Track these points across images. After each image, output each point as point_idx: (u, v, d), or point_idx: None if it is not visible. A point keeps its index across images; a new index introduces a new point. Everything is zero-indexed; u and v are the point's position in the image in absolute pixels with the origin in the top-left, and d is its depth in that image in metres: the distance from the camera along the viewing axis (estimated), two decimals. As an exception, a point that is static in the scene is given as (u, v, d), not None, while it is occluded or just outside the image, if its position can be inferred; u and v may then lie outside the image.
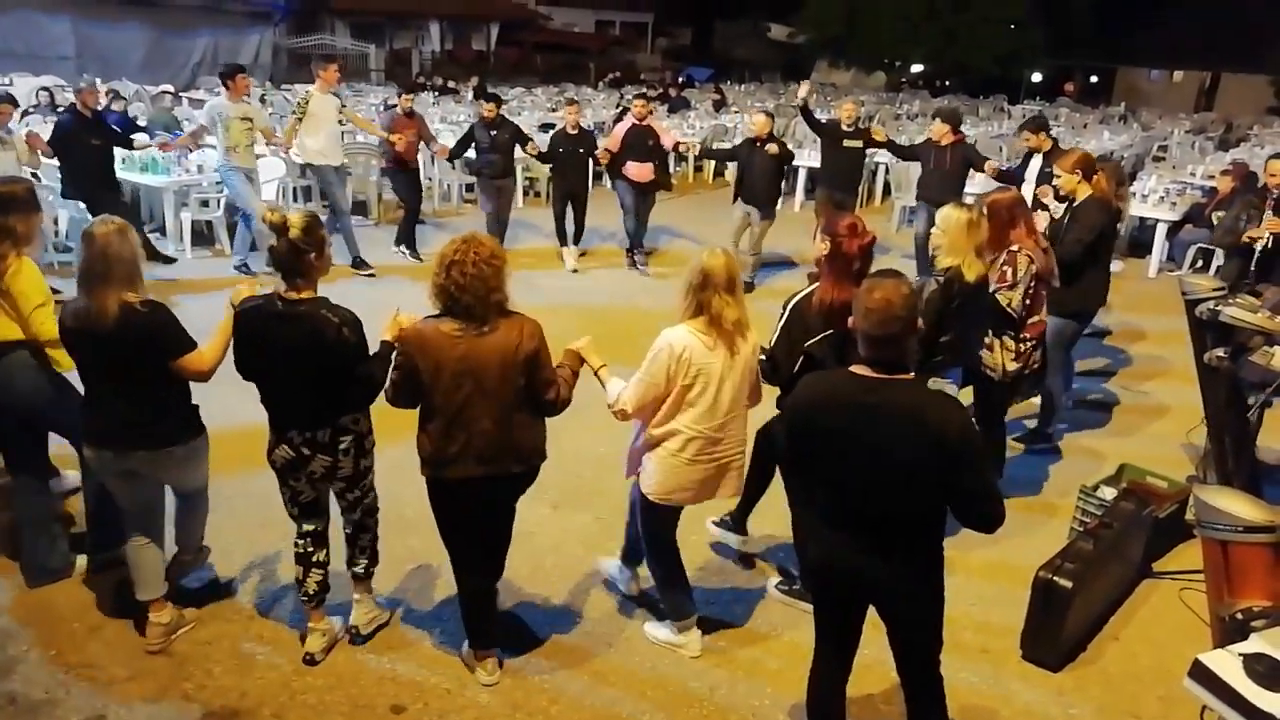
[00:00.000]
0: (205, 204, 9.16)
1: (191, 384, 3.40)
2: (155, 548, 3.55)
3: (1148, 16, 28.62)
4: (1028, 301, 4.45)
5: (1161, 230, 9.99)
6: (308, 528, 3.47)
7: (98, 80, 9.60)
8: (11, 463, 3.85)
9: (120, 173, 9.04)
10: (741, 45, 37.22)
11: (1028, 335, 4.52)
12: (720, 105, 19.21)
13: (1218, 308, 4.28)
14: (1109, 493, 4.54)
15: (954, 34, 28.22)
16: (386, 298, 4.08)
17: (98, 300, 3.16)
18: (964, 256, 4.11)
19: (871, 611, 2.82)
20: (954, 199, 8.16)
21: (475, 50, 32.08)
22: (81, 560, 3.93)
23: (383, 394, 3.22)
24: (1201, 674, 2.49)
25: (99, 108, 8.18)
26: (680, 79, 25.69)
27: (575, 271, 9.17)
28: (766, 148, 8.29)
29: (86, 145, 7.69)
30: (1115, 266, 9.64)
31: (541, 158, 9.42)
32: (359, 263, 8.56)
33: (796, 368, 3.53)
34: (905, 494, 2.56)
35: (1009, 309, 4.42)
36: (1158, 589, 4.29)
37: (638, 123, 8.90)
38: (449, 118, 14.54)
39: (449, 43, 31.58)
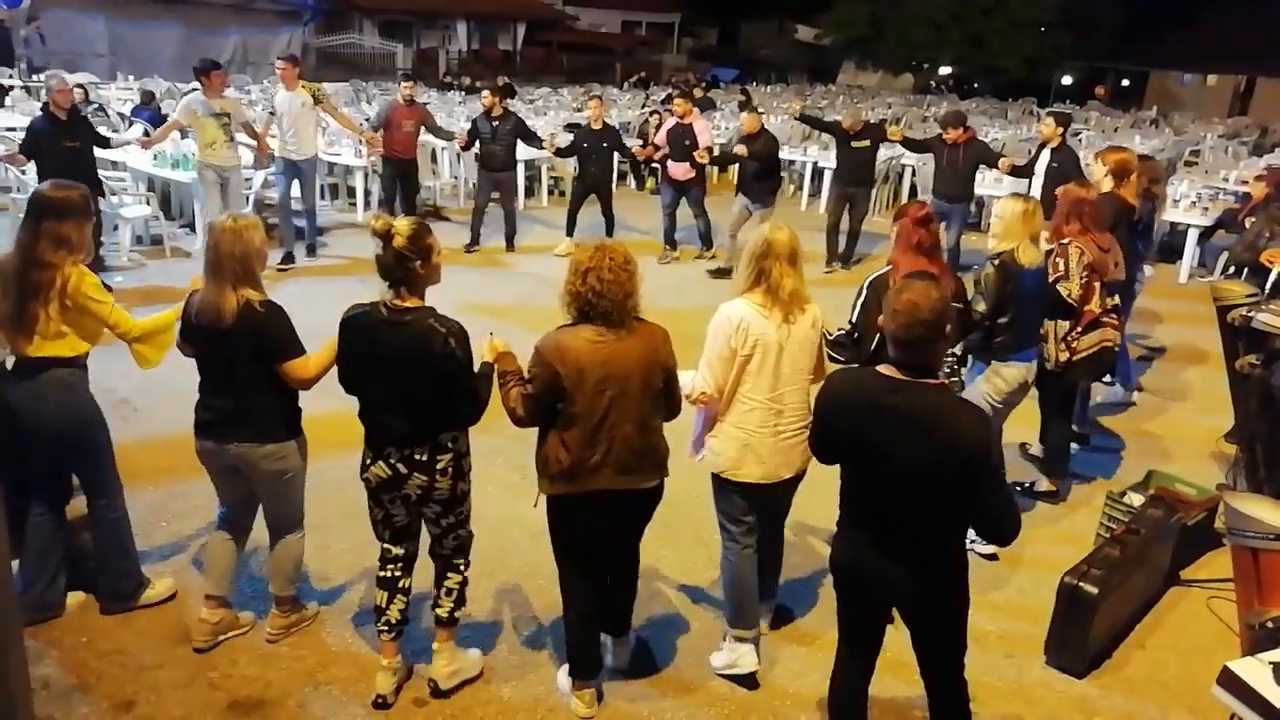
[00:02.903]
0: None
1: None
2: (233, 546, 3.56)
3: (1181, 19, 28.23)
4: (1082, 292, 4.58)
5: (1193, 236, 9.86)
6: (397, 552, 3.33)
7: (65, 75, 9.14)
8: (29, 489, 3.58)
9: (151, 169, 9.17)
10: (767, 46, 37.13)
11: (1079, 328, 4.65)
12: (745, 106, 19.15)
13: (1250, 314, 4.23)
14: (1136, 499, 4.49)
15: (982, 36, 27.98)
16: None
17: (214, 295, 3.17)
18: (1018, 242, 4.22)
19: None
20: (966, 195, 8.65)
21: (502, 50, 32.20)
22: (75, 598, 3.73)
23: (505, 414, 3.11)
24: (1230, 682, 2.46)
25: (71, 106, 7.50)
26: (706, 80, 25.64)
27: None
28: (736, 148, 8.67)
29: (60, 148, 7.15)
30: (1146, 271, 9.61)
31: (563, 152, 9.48)
32: (288, 258, 8.47)
33: (875, 344, 3.64)
34: (919, 498, 2.55)
35: (1069, 299, 4.54)
36: (1186, 597, 4.24)
37: (680, 120, 9.01)
38: (475, 116, 14.59)
39: (476, 42, 31.74)
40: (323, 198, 10.81)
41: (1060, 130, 7.82)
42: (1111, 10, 28.12)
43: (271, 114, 8.55)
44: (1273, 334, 4.17)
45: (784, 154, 12.80)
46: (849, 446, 2.70)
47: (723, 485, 3.43)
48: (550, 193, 12.45)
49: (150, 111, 11.35)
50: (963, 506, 2.56)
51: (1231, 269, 9.26)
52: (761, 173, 8.68)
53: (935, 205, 8.26)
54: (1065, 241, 4.60)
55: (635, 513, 3.27)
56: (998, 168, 8.31)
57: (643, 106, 16.60)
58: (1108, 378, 5.99)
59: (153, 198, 9.16)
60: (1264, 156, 14.55)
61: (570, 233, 9.40)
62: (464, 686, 3.41)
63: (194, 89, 13.66)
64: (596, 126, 9.26)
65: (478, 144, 9.28)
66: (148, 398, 5.19)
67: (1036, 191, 7.80)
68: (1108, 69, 31.17)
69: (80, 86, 12.72)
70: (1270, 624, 2.80)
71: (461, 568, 3.37)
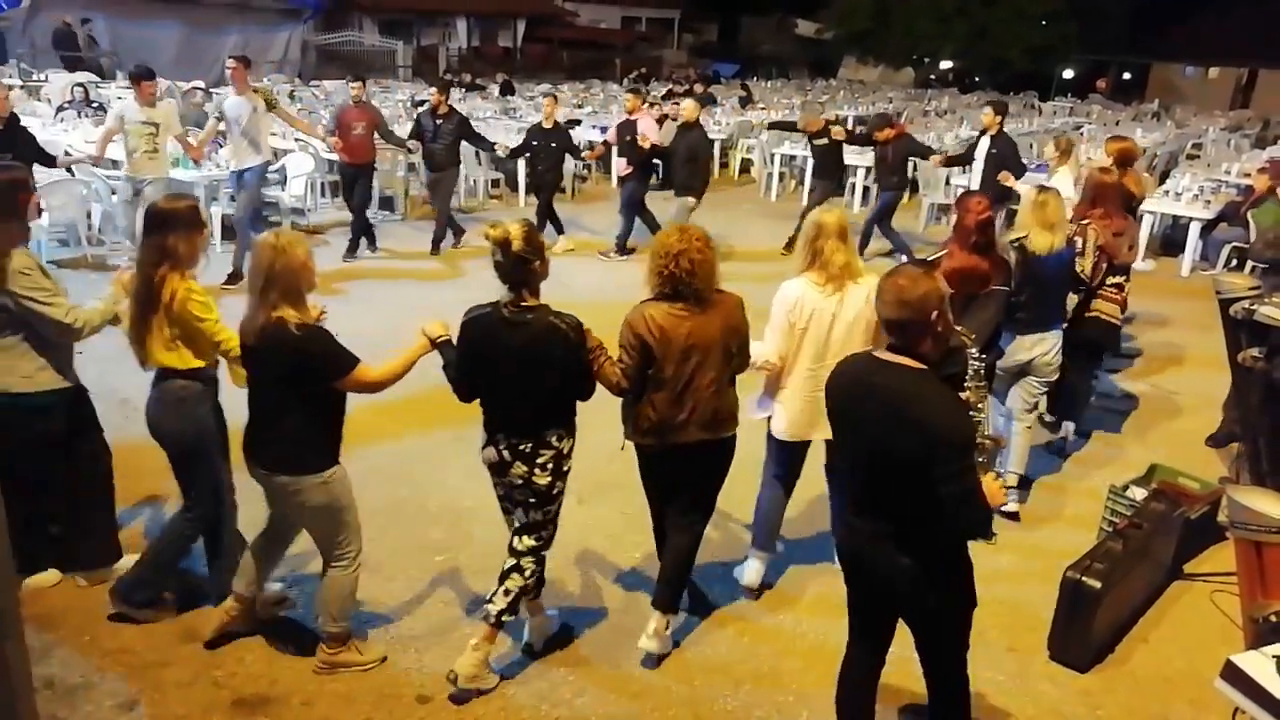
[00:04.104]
0: (235, 199, 9.26)
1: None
2: (264, 551, 3.52)
3: (1183, 12, 28.16)
4: (1092, 270, 5.05)
5: (1195, 229, 9.84)
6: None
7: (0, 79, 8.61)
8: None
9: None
10: (768, 41, 37.06)
11: (1081, 299, 5.13)
12: (746, 101, 19.15)
13: (1253, 307, 4.21)
14: (1139, 493, 4.49)
15: (985, 29, 27.93)
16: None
17: (251, 313, 3.11)
18: (1031, 229, 4.61)
19: None
20: (899, 185, 9.43)
21: (502, 47, 32.16)
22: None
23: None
24: (1234, 675, 2.46)
25: (10, 115, 7.09)
26: (706, 75, 25.60)
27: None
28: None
29: None
30: (1147, 265, 9.61)
31: (514, 152, 9.41)
32: (233, 277, 7.55)
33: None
34: (901, 482, 2.55)
35: (1082, 274, 5.02)
36: (1189, 591, 4.24)
37: (628, 117, 8.97)
38: (475, 114, 14.59)
39: (476, 39, 31.69)
40: (323, 195, 10.82)
41: (999, 118, 8.44)
42: (1115, 3, 28.08)
43: (218, 119, 8.03)
44: (1275, 327, 4.16)
45: (785, 149, 12.87)
46: (840, 425, 2.77)
47: (778, 444, 3.88)
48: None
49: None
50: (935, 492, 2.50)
51: (1234, 262, 9.29)
52: (688, 163, 8.60)
53: (883, 194, 9.47)
54: (1085, 222, 5.08)
55: (716, 460, 3.59)
56: (928, 160, 9.30)
57: (644, 102, 16.53)
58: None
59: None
60: (1266, 149, 14.54)
61: (560, 230, 9.38)
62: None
63: (195, 87, 13.77)
64: (548, 125, 9.11)
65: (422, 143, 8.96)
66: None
67: (977, 177, 8.51)
68: (1110, 61, 31.09)
69: (80, 85, 12.79)
70: (1274, 617, 2.81)
71: (526, 573, 3.38)
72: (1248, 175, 10.69)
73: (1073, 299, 5.04)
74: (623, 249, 9.33)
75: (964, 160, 8.88)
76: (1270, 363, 4.21)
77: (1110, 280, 5.19)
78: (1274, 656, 2.46)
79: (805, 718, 3.37)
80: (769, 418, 3.89)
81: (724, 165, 15.10)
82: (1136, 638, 3.91)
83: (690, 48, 38.69)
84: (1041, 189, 4.85)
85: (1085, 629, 3.63)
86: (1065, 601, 3.65)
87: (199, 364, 3.44)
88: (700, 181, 8.74)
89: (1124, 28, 28.93)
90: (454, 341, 3.29)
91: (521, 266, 3.12)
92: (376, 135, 8.68)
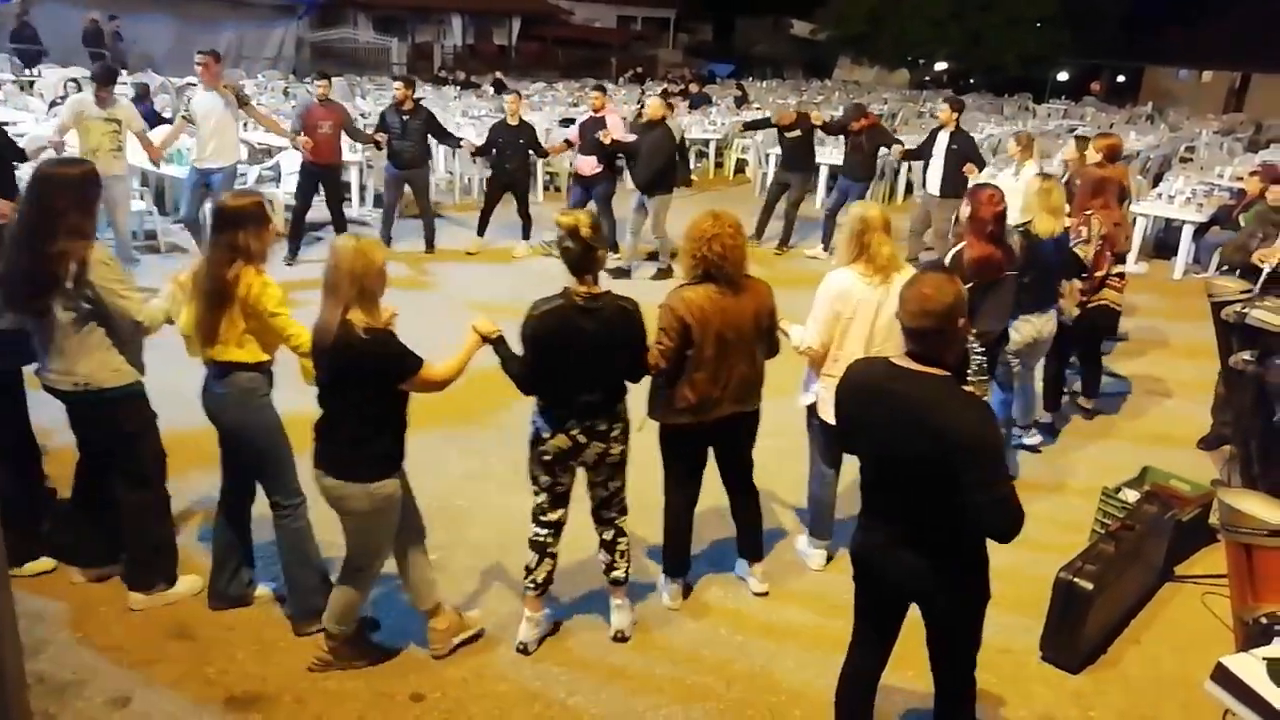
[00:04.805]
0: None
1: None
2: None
3: (1176, 15, 28.24)
4: (1095, 257, 5.41)
5: (1188, 232, 9.88)
6: (553, 517, 3.56)
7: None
8: (224, 484, 3.72)
9: (151, 164, 9.08)
10: (763, 41, 37.07)
11: (1087, 288, 5.48)
12: (742, 101, 19.16)
13: (1245, 310, 4.24)
14: (1131, 495, 4.51)
15: (979, 33, 27.97)
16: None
17: (324, 315, 3.09)
18: (1036, 215, 4.96)
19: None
20: (868, 175, 9.72)
21: (497, 45, 32.11)
22: (265, 590, 3.82)
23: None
24: (1224, 677, 2.48)
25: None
26: (701, 75, 25.60)
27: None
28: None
29: None
30: (1140, 268, 9.65)
31: (480, 150, 9.27)
32: None
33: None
34: (920, 488, 2.55)
35: (1084, 260, 5.39)
36: (1180, 593, 4.26)
37: (593, 114, 8.81)
38: (470, 112, 14.58)
39: (471, 37, 31.64)
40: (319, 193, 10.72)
41: (955, 114, 8.73)
42: (1108, 7, 28.15)
43: (185, 118, 7.78)
44: (1267, 330, 4.18)
45: (779, 150, 12.81)
46: (856, 432, 2.75)
47: (822, 427, 3.97)
48: (545, 189, 12.36)
49: (145, 106, 11.28)
50: (959, 499, 2.54)
51: (1226, 265, 9.34)
52: (653, 159, 8.46)
53: (841, 183, 9.69)
54: (1088, 213, 5.45)
55: (746, 430, 3.86)
56: (890, 150, 9.66)
57: (637, 102, 16.53)
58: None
59: (147, 193, 9.12)
60: (1259, 153, 14.59)
61: (481, 232, 9.20)
62: (473, 680, 3.43)
63: (190, 83, 13.72)
64: (513, 122, 8.95)
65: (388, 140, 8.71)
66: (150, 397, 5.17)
67: (937, 172, 8.72)
68: (1104, 65, 31.18)
69: (74, 80, 12.73)
70: (1264, 619, 2.82)
71: (624, 529, 3.66)
72: (1240, 179, 10.71)
73: (1076, 284, 5.39)
74: (614, 246, 9.20)
75: (921, 154, 9.06)
76: (1261, 366, 4.24)
77: (1114, 270, 5.60)
78: (1264, 659, 2.48)
79: (798, 717, 3.38)
80: (812, 404, 4.04)
81: (719, 165, 15.11)
82: (1128, 639, 3.93)
83: (686, 47, 38.67)
84: (1045, 176, 5.25)
85: (1077, 630, 3.64)
86: (1057, 603, 3.66)
87: (265, 358, 3.47)
88: (667, 179, 8.59)
89: (1118, 31, 29.01)
90: (505, 338, 3.37)
91: (590, 253, 3.27)
92: (344, 135, 8.47)
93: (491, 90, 18.51)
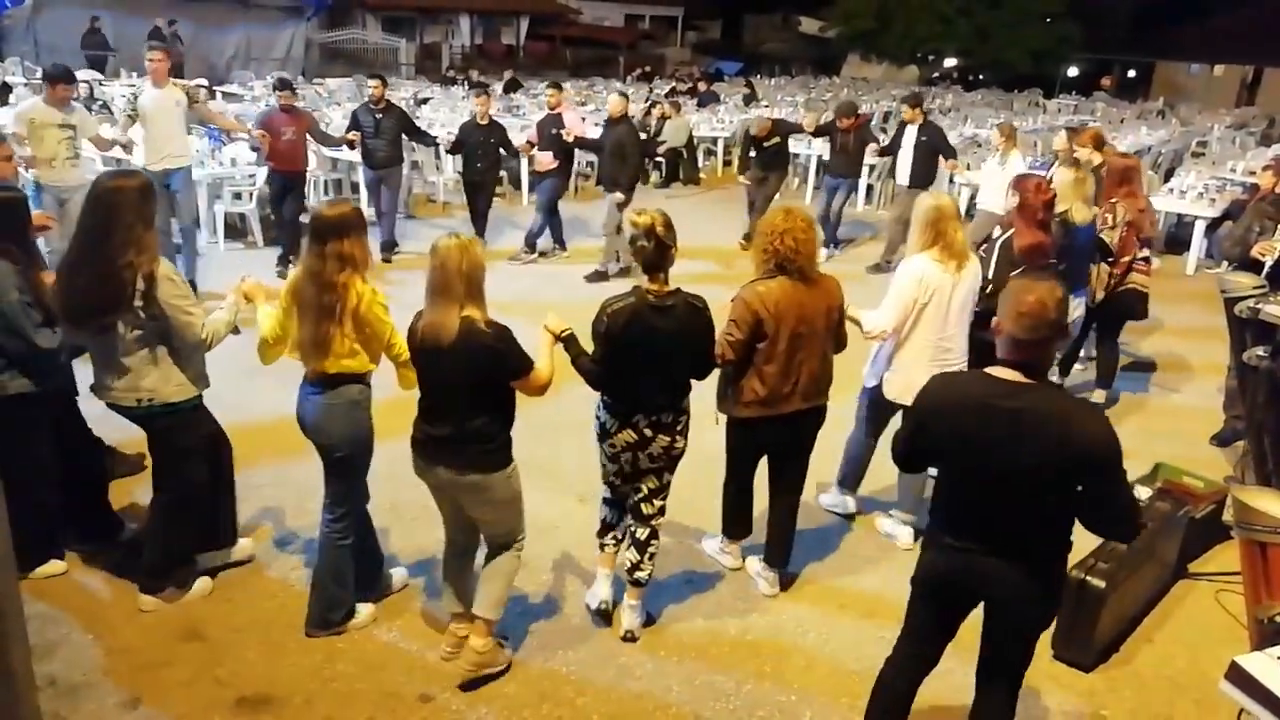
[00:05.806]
0: (238, 196, 9.27)
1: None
2: (460, 565, 3.54)
3: (1187, 9, 28.06)
4: (1121, 242, 5.65)
5: (1200, 227, 9.81)
6: (625, 489, 3.66)
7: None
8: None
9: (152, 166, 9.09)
10: (771, 39, 36.98)
11: (1116, 271, 5.71)
12: (750, 99, 19.12)
13: (1258, 305, 4.21)
14: (1144, 492, 4.46)
15: (989, 30, 27.85)
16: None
17: (439, 315, 3.08)
18: (1072, 203, 5.10)
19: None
20: (854, 172, 10.13)
21: (505, 44, 32.14)
22: (365, 610, 3.73)
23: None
24: (1238, 677, 2.45)
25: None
26: (710, 73, 25.56)
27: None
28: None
29: None
30: (1153, 263, 9.56)
31: (451, 149, 9.25)
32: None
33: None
34: (1038, 500, 2.50)
35: (1110, 245, 5.61)
36: (1194, 590, 4.22)
37: (551, 111, 8.86)
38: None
39: (479, 37, 31.67)
40: (326, 193, 10.70)
41: (916, 110, 9.03)
42: (1119, 1, 27.99)
43: (131, 117, 7.38)
44: (1281, 326, 4.14)
45: (789, 146, 12.78)
46: (953, 451, 2.63)
47: (887, 405, 4.18)
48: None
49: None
50: (1083, 505, 2.51)
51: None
52: (617, 159, 8.45)
53: (829, 181, 9.78)
54: (1114, 200, 5.68)
55: (813, 426, 3.89)
56: (868, 148, 9.82)
57: (645, 100, 16.52)
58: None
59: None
60: (1271, 147, 14.46)
61: (481, 234, 9.09)
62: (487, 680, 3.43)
63: (199, 85, 13.74)
64: (483, 122, 8.90)
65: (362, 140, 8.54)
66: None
67: (906, 164, 8.97)
68: (1114, 60, 31.01)
69: (85, 83, 12.78)
70: (1279, 618, 2.79)
71: (659, 533, 3.69)
72: (1253, 173, 10.62)
73: (1104, 269, 5.64)
74: (531, 246, 9.09)
75: (891, 150, 9.41)
76: (1275, 361, 4.20)
77: (1139, 254, 5.81)
78: (1279, 658, 2.45)
79: (808, 717, 3.36)
80: (877, 384, 4.22)
81: (728, 163, 15.07)
82: (1141, 637, 3.90)
83: (694, 45, 38.62)
84: (1075, 166, 5.52)
85: (1090, 628, 3.62)
86: (1070, 601, 3.62)
87: (373, 368, 3.45)
88: (628, 177, 8.50)
89: (1128, 26, 28.85)
90: (575, 335, 3.41)
91: (664, 252, 3.32)
92: (311, 141, 8.24)
93: (501, 90, 18.51)
